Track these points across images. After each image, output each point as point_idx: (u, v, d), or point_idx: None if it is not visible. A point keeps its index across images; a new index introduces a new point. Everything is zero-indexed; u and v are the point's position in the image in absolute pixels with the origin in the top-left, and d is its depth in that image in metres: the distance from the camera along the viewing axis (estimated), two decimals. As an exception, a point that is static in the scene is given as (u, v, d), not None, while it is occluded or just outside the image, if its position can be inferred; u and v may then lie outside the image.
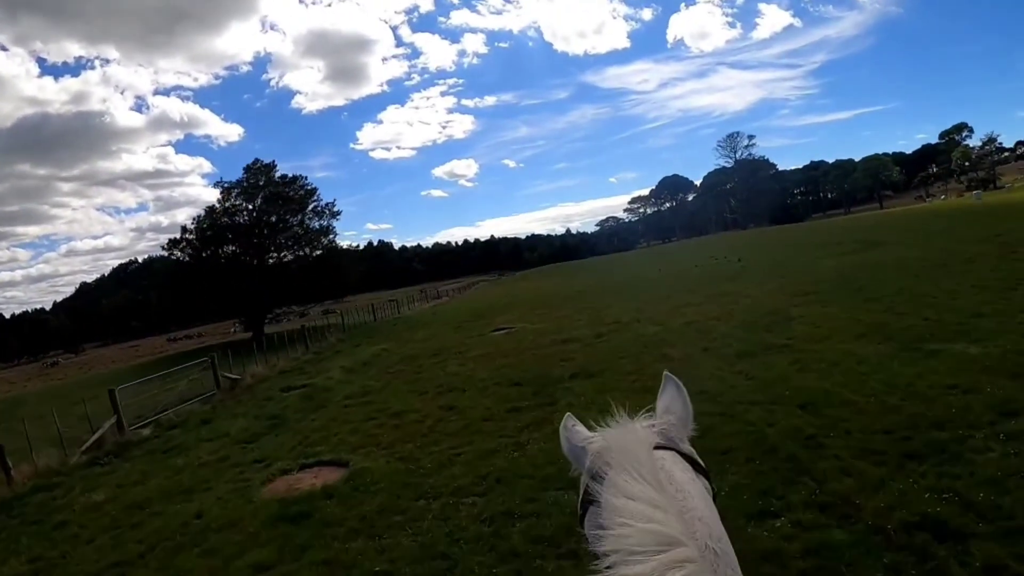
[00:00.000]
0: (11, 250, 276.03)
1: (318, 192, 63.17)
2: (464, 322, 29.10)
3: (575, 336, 18.75)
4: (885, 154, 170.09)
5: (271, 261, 61.45)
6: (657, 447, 1.37)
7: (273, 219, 60.15)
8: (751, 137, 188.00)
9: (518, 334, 21.68)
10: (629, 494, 1.16)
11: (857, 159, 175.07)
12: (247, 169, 61.20)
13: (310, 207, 62.22)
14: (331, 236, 64.53)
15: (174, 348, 78.66)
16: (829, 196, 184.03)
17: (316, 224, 62.77)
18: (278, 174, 61.25)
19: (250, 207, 59.88)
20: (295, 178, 62.63)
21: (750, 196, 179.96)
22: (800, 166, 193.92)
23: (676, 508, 1.15)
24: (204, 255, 57.38)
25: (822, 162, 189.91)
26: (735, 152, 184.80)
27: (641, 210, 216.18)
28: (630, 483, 1.19)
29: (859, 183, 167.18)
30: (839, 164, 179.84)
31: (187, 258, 57.72)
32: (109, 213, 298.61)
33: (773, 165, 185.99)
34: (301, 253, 63.49)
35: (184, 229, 58.78)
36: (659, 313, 21.09)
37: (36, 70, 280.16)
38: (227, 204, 59.81)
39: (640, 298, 27.15)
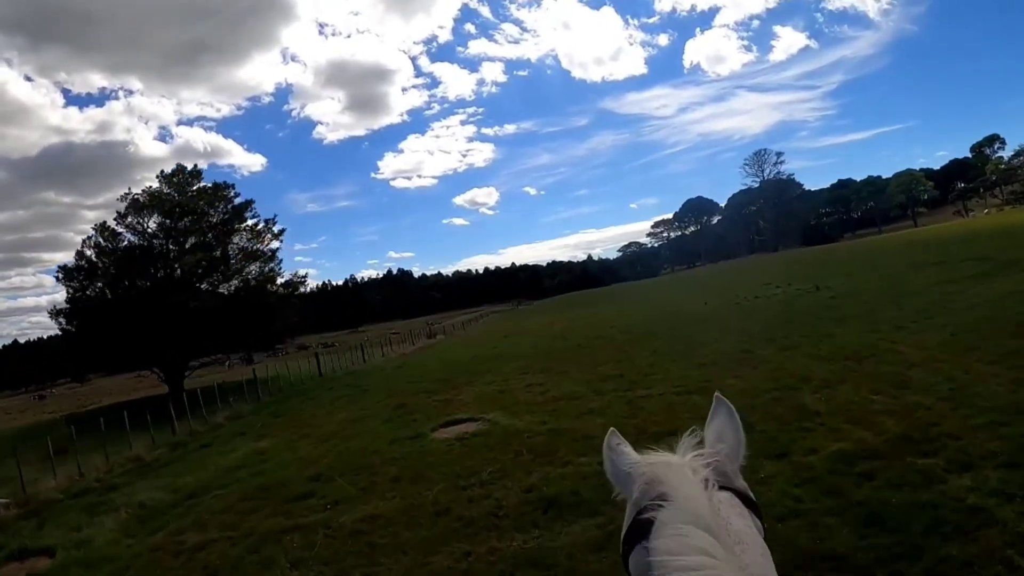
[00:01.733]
0: (37, 276, 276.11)
1: (253, 206, 44.29)
2: (419, 394, 18.48)
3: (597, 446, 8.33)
4: (913, 170, 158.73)
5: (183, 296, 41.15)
6: (712, 485, 1.22)
7: (191, 241, 42.19)
8: (779, 155, 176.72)
9: (477, 446, 10.77)
10: (684, 545, 1.05)
11: (885, 176, 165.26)
12: (161, 176, 43.34)
13: (244, 224, 43.69)
14: (265, 265, 44.63)
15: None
16: (856, 215, 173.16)
17: (243, 246, 43.70)
18: (206, 183, 44.10)
19: (152, 226, 41.86)
20: (218, 187, 44.50)
21: (778, 217, 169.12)
22: (825, 186, 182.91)
23: (735, 565, 1.04)
24: (101, 288, 40.74)
25: (850, 180, 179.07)
26: (762, 171, 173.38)
27: (664, 234, 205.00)
28: (686, 531, 1.08)
29: (892, 200, 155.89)
30: (871, 181, 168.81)
31: (84, 291, 40.79)
32: None
33: (800, 185, 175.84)
34: (224, 287, 44.07)
35: (80, 255, 41.11)
36: (757, 387, 11.15)
37: (61, 100, 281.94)
38: (129, 221, 41.63)
39: (700, 352, 16.85)
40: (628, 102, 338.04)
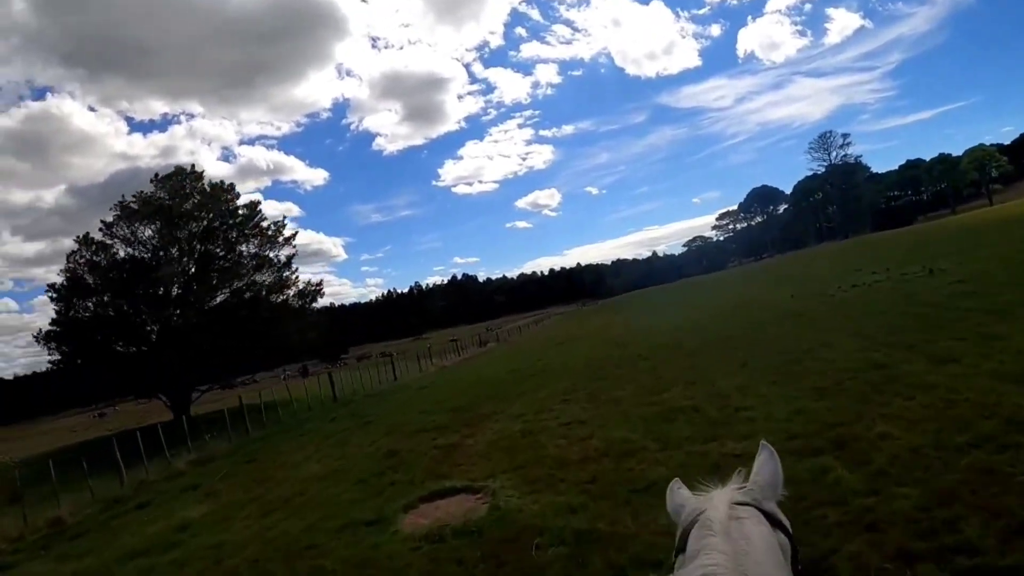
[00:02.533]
0: None
1: (260, 207, 39.05)
2: (422, 432, 14.22)
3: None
4: (985, 145, 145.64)
5: (183, 313, 36.21)
6: (738, 503, 1.53)
7: (189, 249, 36.55)
8: (845, 136, 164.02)
9: (451, 561, 6.29)
10: (702, 544, 1.40)
11: (955, 154, 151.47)
12: (156, 180, 36.99)
13: (252, 224, 37.82)
14: (276, 274, 38.74)
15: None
16: (926, 197, 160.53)
17: (253, 252, 38.02)
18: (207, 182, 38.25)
19: (147, 234, 35.98)
20: (216, 188, 38.45)
21: (846, 202, 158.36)
22: (890, 168, 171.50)
23: (733, 550, 1.34)
24: (92, 307, 34.87)
25: (919, 160, 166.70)
26: (829, 154, 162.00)
27: (730, 226, 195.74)
28: (706, 531, 1.43)
29: (966, 178, 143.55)
30: (943, 158, 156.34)
31: (72, 311, 35.00)
32: None
33: (867, 168, 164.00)
34: (228, 299, 38.08)
35: (67, 270, 35.58)
36: (940, 442, 6.12)
37: (125, 128, 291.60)
38: (120, 231, 35.66)
39: (808, 367, 11.93)
40: (684, 96, 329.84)
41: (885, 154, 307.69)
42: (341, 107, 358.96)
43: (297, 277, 39.83)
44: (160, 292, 35.56)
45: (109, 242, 36.55)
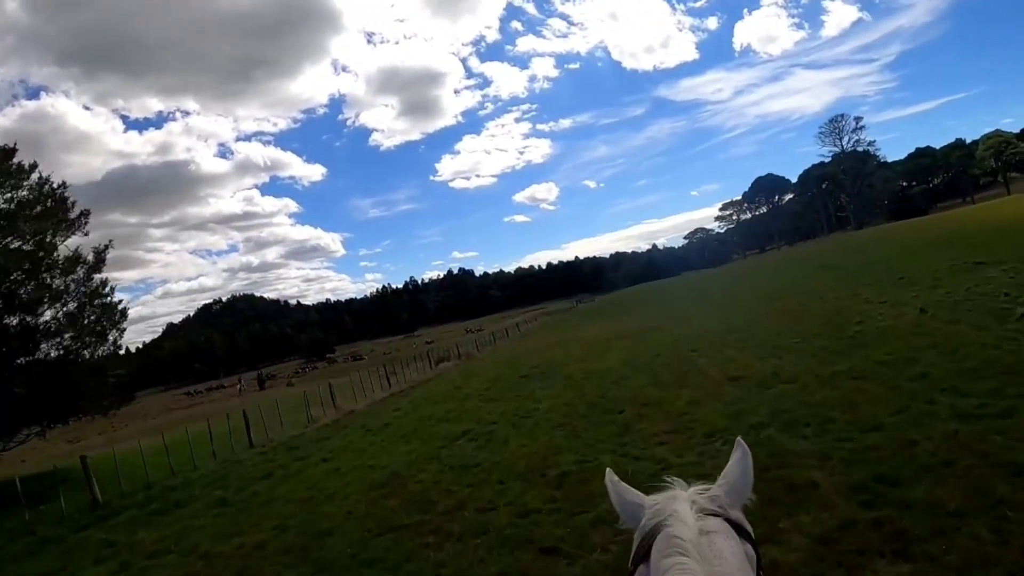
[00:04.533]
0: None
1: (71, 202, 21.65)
2: None
3: None
4: (1003, 131, 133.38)
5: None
6: (705, 511, 1.41)
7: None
8: (858, 119, 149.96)
9: None
10: (672, 562, 1.27)
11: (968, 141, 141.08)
12: None
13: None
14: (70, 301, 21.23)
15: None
16: (939, 186, 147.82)
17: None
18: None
19: None
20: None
21: (860, 190, 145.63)
22: (902, 157, 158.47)
23: (707, 574, 1.23)
24: None
25: (929, 148, 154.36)
26: (840, 139, 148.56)
27: (733, 217, 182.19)
28: (675, 549, 1.29)
29: (983, 165, 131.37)
30: (959, 144, 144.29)
31: None
32: (201, 255, 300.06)
33: (876, 156, 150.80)
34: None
35: None
36: None
37: (120, 126, 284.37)
38: None
39: None
40: (683, 89, 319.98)
41: (886, 146, 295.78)
42: (337, 103, 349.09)
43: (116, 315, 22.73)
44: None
45: None
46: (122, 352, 24.32)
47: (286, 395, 27.32)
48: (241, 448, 18.72)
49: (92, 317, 21.39)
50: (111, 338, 22.18)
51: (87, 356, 21.22)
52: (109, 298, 22.18)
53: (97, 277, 22.03)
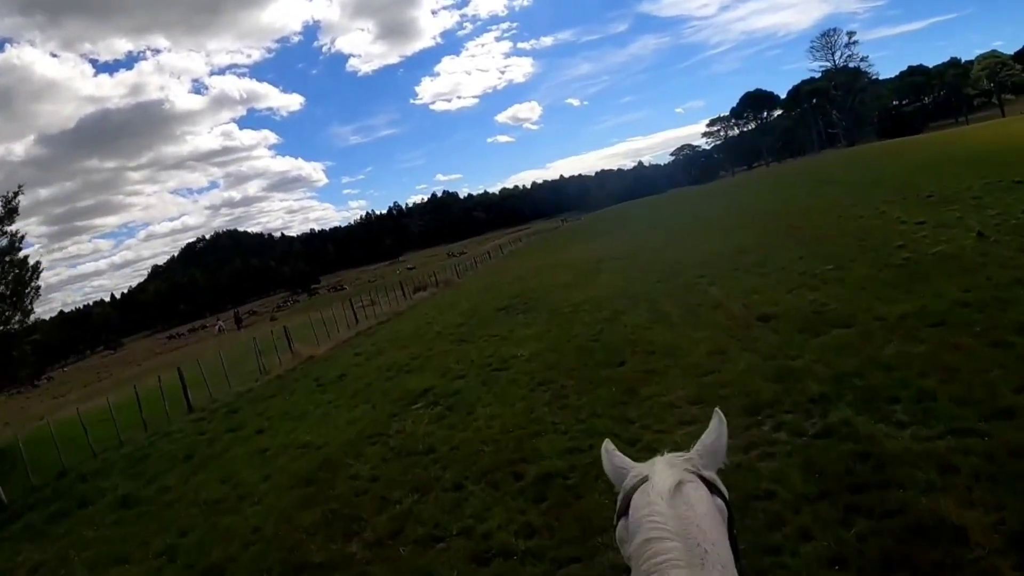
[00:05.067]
0: (93, 242, 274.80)
1: None
2: None
3: None
4: (999, 52, 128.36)
5: None
6: (683, 471, 1.48)
7: None
8: (851, 34, 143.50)
9: None
10: (646, 510, 1.36)
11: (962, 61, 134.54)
12: None
13: None
14: None
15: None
16: (930, 105, 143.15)
17: None
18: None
19: None
20: None
21: (852, 107, 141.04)
22: (892, 75, 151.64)
23: (676, 515, 1.32)
24: None
25: (921, 66, 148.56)
26: (832, 54, 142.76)
27: (720, 132, 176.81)
28: (649, 501, 1.37)
29: (978, 85, 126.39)
30: (954, 63, 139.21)
31: None
32: (182, 195, 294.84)
33: (867, 74, 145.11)
34: None
35: None
36: None
37: (90, 70, 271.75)
38: None
39: None
40: (667, 4, 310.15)
41: (877, 64, 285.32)
42: (312, 29, 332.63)
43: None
44: None
45: None
46: (34, 316, 20.79)
47: (264, 333, 24.76)
48: (179, 413, 16.00)
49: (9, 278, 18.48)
50: (27, 302, 19.35)
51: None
52: (21, 252, 19.28)
53: (9, 230, 18.98)
